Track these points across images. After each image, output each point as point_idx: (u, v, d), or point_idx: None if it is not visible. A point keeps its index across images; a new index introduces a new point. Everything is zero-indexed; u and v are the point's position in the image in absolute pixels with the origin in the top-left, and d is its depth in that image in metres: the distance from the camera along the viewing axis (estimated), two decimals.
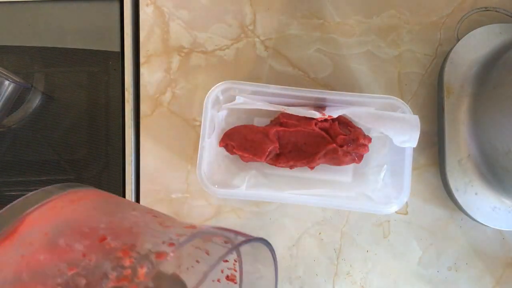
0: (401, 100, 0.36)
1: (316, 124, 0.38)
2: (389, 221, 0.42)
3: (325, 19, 0.43)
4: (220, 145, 0.39)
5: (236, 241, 0.20)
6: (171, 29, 0.44)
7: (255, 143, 0.38)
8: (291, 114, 0.38)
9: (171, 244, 0.18)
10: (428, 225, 0.42)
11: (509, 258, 0.41)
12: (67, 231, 0.20)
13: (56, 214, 0.21)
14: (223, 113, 0.41)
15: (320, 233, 0.42)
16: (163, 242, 0.18)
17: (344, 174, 0.40)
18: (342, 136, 0.37)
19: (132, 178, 0.43)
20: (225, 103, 0.39)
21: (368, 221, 0.42)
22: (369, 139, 0.38)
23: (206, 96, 0.37)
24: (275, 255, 0.24)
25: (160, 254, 0.18)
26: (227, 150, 0.40)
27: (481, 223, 0.38)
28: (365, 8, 0.43)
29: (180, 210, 0.42)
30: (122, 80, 0.44)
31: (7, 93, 0.40)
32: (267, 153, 0.38)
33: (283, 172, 0.41)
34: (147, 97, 0.43)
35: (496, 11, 0.40)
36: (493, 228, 0.38)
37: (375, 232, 0.42)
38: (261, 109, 0.38)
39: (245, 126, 0.40)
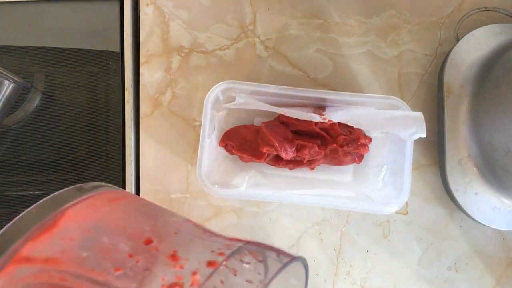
0: (401, 100, 0.36)
1: (316, 124, 0.38)
2: (389, 221, 0.42)
3: (325, 19, 0.43)
4: (219, 145, 0.39)
5: (283, 261, 0.19)
6: (171, 29, 0.44)
7: (255, 143, 0.38)
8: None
9: (221, 254, 0.18)
10: (428, 225, 0.42)
11: (509, 258, 0.41)
12: (109, 230, 0.19)
13: (96, 212, 0.21)
14: (223, 113, 0.41)
15: (320, 233, 0.42)
16: (213, 251, 0.18)
17: (344, 174, 0.40)
18: (343, 136, 0.37)
19: (132, 178, 0.43)
20: (225, 103, 0.39)
21: (368, 221, 0.42)
22: (369, 139, 0.38)
23: (206, 96, 0.37)
24: (308, 273, 0.23)
25: (211, 263, 0.17)
26: (227, 150, 0.40)
27: (481, 223, 0.38)
28: (365, 8, 0.43)
29: (180, 210, 0.42)
30: (122, 80, 0.44)
31: (7, 93, 0.40)
32: (266, 154, 0.38)
33: (283, 172, 0.41)
34: (147, 97, 0.43)
35: (496, 11, 0.40)
36: (493, 228, 0.38)
37: (375, 232, 0.42)
38: (261, 109, 0.38)
39: (245, 126, 0.40)
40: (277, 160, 0.39)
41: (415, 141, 0.37)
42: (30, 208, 0.19)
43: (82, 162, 0.44)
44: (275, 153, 0.37)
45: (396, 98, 0.37)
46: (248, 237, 0.42)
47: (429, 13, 0.43)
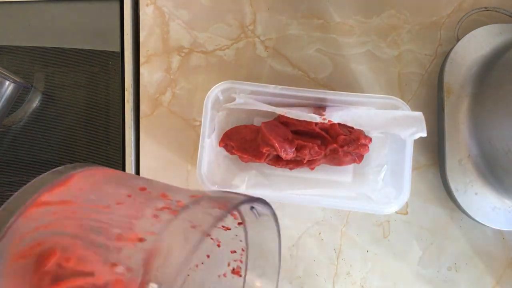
0: (401, 100, 0.36)
1: (316, 124, 0.38)
2: (389, 221, 0.42)
3: (325, 19, 0.43)
4: (219, 145, 0.39)
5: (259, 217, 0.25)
6: (171, 29, 0.44)
7: (255, 143, 0.38)
8: None
9: (193, 196, 0.24)
10: (428, 225, 0.42)
11: (509, 258, 0.41)
12: (111, 182, 0.25)
13: (100, 173, 0.26)
14: (223, 113, 0.41)
15: (320, 233, 0.42)
16: (192, 196, 0.24)
17: (344, 174, 0.40)
18: (342, 137, 0.37)
19: None
20: (225, 103, 0.39)
21: (368, 221, 0.42)
22: (369, 139, 0.38)
23: (206, 96, 0.37)
24: (276, 216, 0.27)
25: (194, 196, 0.24)
26: (227, 150, 0.40)
27: (481, 223, 0.38)
28: (365, 8, 0.43)
29: None
30: (122, 80, 0.44)
31: (7, 93, 0.40)
32: (266, 154, 0.38)
33: (283, 172, 0.41)
34: (147, 97, 0.43)
35: (496, 11, 0.40)
36: (493, 228, 0.38)
37: (375, 232, 0.42)
38: (261, 109, 0.38)
39: (245, 126, 0.40)
40: (277, 160, 0.39)
41: (415, 141, 0.37)
42: (43, 174, 0.24)
43: (82, 162, 0.44)
44: (275, 153, 0.37)
45: (396, 98, 0.37)
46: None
47: (429, 13, 0.43)
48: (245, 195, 0.25)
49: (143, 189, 0.25)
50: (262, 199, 0.25)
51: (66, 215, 0.22)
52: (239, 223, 0.32)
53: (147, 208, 0.22)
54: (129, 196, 0.23)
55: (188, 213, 0.22)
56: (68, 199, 0.23)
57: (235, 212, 0.30)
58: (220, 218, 0.21)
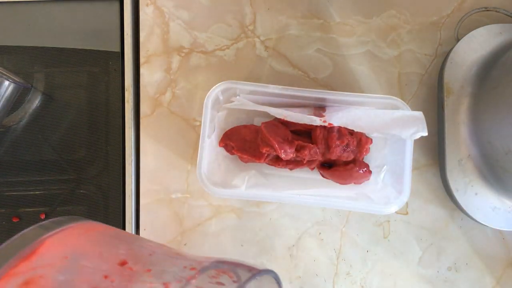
0: (401, 100, 0.36)
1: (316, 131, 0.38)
2: (389, 221, 0.42)
3: (325, 19, 0.43)
4: (219, 145, 0.39)
5: (244, 278, 0.20)
6: (171, 29, 0.44)
7: (254, 144, 0.38)
8: None
9: (193, 269, 0.19)
10: (428, 225, 0.42)
11: (509, 258, 0.41)
12: (86, 255, 0.21)
13: (74, 240, 0.22)
14: (223, 113, 0.41)
15: (320, 233, 0.42)
16: (185, 267, 0.20)
17: None
18: (338, 148, 0.37)
19: (132, 178, 0.43)
20: (225, 103, 0.39)
21: (368, 221, 0.42)
22: (370, 140, 0.38)
23: (206, 96, 0.37)
24: (281, 286, 0.24)
25: (183, 277, 0.19)
26: (227, 150, 0.40)
27: (481, 223, 0.38)
28: (365, 8, 0.43)
29: (180, 210, 0.42)
30: (122, 80, 0.44)
31: (7, 93, 0.40)
32: (266, 155, 0.38)
33: (283, 172, 0.41)
34: (147, 97, 0.43)
35: (496, 11, 0.40)
36: (493, 228, 0.38)
37: (375, 232, 0.42)
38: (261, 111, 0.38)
39: (244, 126, 0.40)
40: (277, 161, 0.39)
41: (415, 141, 0.37)
42: (10, 239, 0.20)
43: (82, 162, 0.44)
44: (275, 153, 0.37)
45: (396, 98, 0.36)
46: (249, 238, 0.42)
47: (429, 13, 0.43)
48: (251, 267, 0.21)
49: (123, 263, 0.20)
50: (270, 271, 0.21)
51: None
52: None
53: None
54: (105, 277, 0.19)
55: None
56: (32, 278, 0.19)
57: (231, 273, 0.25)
58: None
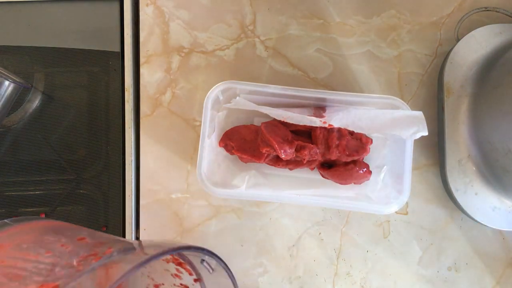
0: (401, 100, 0.36)
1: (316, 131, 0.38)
2: (389, 221, 0.42)
3: (325, 19, 0.43)
4: (219, 145, 0.39)
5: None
6: (171, 29, 0.44)
7: (254, 144, 0.38)
8: None
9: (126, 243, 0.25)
10: (428, 225, 0.42)
11: (509, 258, 0.41)
12: (49, 233, 0.26)
13: (39, 226, 0.27)
14: (223, 113, 0.41)
15: (320, 233, 0.42)
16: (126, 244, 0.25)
17: None
18: (337, 148, 0.37)
19: (132, 178, 0.43)
20: (225, 103, 0.39)
21: (368, 221, 0.42)
22: (370, 140, 0.38)
23: (206, 96, 0.37)
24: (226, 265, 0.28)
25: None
26: (227, 150, 0.40)
27: (481, 223, 0.38)
28: (365, 8, 0.43)
29: (180, 210, 0.42)
30: (122, 80, 0.44)
31: (7, 93, 0.40)
32: (266, 155, 0.38)
33: (283, 172, 0.41)
34: (147, 97, 0.43)
35: (496, 11, 0.40)
36: (493, 228, 0.38)
37: (375, 232, 0.42)
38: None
39: (244, 126, 0.40)
40: (277, 161, 0.39)
41: (415, 141, 0.37)
42: None
43: (82, 162, 0.44)
44: (275, 153, 0.37)
45: (396, 98, 0.36)
46: (249, 238, 0.42)
47: (429, 13, 0.43)
48: (185, 245, 0.25)
49: (81, 239, 0.26)
50: (207, 250, 0.26)
51: None
52: (196, 280, 0.31)
53: (75, 256, 0.23)
54: (62, 245, 0.24)
55: (112, 260, 0.22)
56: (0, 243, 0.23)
57: (188, 267, 0.30)
58: (140, 264, 0.21)
